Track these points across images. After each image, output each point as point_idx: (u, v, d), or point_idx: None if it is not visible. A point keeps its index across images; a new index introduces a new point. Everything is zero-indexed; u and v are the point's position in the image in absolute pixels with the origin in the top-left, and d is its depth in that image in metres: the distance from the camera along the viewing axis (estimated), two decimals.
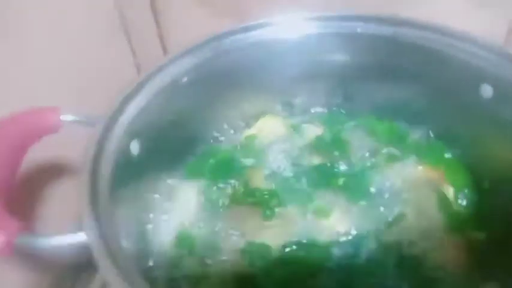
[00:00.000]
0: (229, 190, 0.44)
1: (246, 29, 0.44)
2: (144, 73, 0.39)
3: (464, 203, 0.42)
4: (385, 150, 0.46)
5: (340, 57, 0.47)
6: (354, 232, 0.40)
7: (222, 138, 0.49)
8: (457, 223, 0.40)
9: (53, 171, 0.43)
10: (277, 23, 0.45)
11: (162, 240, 0.40)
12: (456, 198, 0.42)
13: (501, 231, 0.38)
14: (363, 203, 0.42)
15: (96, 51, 0.50)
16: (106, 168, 0.32)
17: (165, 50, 0.60)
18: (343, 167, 0.45)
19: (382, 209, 0.41)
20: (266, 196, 0.42)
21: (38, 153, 0.35)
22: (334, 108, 0.51)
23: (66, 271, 0.47)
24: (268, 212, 0.41)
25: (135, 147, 0.37)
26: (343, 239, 0.39)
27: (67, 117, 0.35)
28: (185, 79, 0.42)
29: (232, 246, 0.40)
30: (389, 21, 0.43)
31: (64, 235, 0.26)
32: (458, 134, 0.45)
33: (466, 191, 0.42)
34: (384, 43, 0.43)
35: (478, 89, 0.40)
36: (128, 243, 0.31)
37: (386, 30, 0.43)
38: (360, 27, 0.44)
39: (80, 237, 0.26)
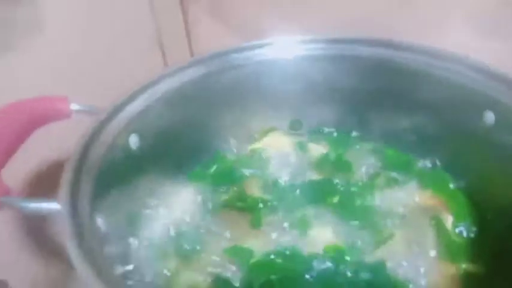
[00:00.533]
0: (224, 196, 0.45)
1: (254, 47, 0.46)
2: (154, 76, 0.42)
3: (464, 233, 0.40)
4: (387, 174, 0.46)
5: (349, 81, 0.48)
6: (339, 249, 0.39)
7: (228, 149, 0.50)
8: (451, 253, 0.38)
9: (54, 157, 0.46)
10: (281, 43, 0.47)
11: (148, 235, 0.41)
12: (455, 228, 0.40)
13: (497, 266, 0.36)
14: (354, 222, 0.41)
15: (132, 61, 0.54)
16: (98, 154, 0.34)
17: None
18: (341, 186, 0.45)
19: (372, 229, 0.40)
20: (256, 203, 0.43)
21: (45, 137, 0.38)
22: (342, 131, 0.51)
23: None
24: (256, 220, 0.41)
25: (134, 142, 0.39)
26: (326, 254, 0.38)
27: (75, 106, 0.38)
28: (192, 87, 0.44)
29: (217, 248, 0.40)
30: (392, 46, 0.43)
31: (41, 201, 0.28)
32: (464, 165, 0.44)
33: (467, 222, 0.40)
34: (387, 68, 0.44)
35: (481, 115, 0.39)
36: (107, 228, 0.33)
37: (387, 54, 0.43)
38: (365, 51, 0.45)
39: (53, 205, 0.28)
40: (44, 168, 0.47)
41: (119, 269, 0.31)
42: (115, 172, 0.36)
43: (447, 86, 0.41)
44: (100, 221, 0.31)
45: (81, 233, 0.27)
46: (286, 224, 0.42)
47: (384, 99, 0.47)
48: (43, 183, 0.47)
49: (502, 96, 0.37)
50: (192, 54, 0.65)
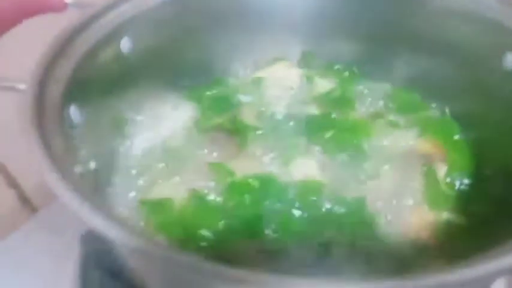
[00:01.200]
0: (218, 119, 0.44)
1: None
2: None
3: (455, 184, 0.37)
4: (389, 116, 0.43)
5: (366, 13, 0.44)
6: (320, 181, 0.38)
7: (230, 74, 0.49)
8: (436, 200, 0.36)
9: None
10: None
11: (130, 143, 0.41)
12: (447, 177, 0.38)
13: (480, 221, 0.34)
14: (342, 159, 0.39)
15: None
16: (82, 47, 0.33)
17: None
18: (338, 121, 0.43)
19: (359, 168, 0.38)
20: (246, 128, 0.42)
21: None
22: (355, 68, 0.48)
23: None
24: (242, 142, 0.41)
25: (126, 45, 0.38)
26: (304, 185, 0.37)
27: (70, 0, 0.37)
28: None
29: (199, 165, 0.40)
30: None
31: (7, 80, 0.28)
32: (475, 113, 0.40)
33: (462, 173, 0.38)
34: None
35: (501, 58, 0.35)
36: (81, 121, 0.32)
37: None
38: None
39: (21, 85, 0.28)
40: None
41: (82, 167, 0.30)
42: (100, 70, 0.36)
43: (468, 19, 0.37)
44: (73, 111, 0.31)
45: (42, 115, 0.27)
46: (273, 153, 0.40)
47: (400, 35, 0.43)
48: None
49: None
50: None
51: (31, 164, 0.26)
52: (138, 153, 0.41)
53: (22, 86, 0.28)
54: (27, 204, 0.54)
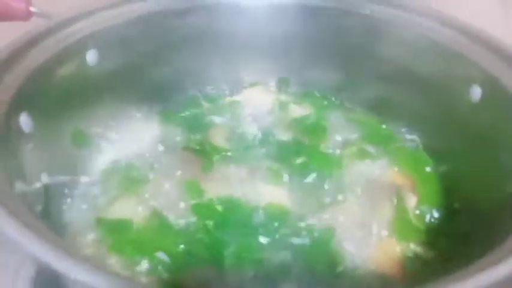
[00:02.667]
0: (187, 138, 0.43)
1: None
2: None
3: (425, 217, 0.36)
4: (362, 145, 0.42)
5: (339, 47, 0.44)
6: (286, 207, 0.36)
7: (205, 95, 0.48)
8: (404, 232, 0.35)
9: None
10: None
11: (95, 165, 0.39)
12: (416, 209, 0.37)
13: (448, 253, 0.33)
14: (310, 186, 0.38)
15: None
16: (41, 55, 0.32)
17: None
18: (309, 148, 0.42)
19: (327, 195, 0.37)
20: (213, 150, 0.41)
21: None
22: (329, 95, 0.48)
23: None
24: (207, 164, 0.39)
25: (92, 58, 0.37)
26: (268, 211, 0.36)
27: (35, 9, 0.36)
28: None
29: (162, 183, 0.38)
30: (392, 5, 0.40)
31: None
32: (444, 145, 0.40)
33: (431, 206, 0.37)
34: (383, 29, 0.40)
35: (468, 90, 0.35)
36: (33, 131, 0.31)
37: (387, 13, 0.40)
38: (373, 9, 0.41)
39: None
40: None
41: (31, 181, 0.29)
42: (61, 81, 0.35)
43: (438, 53, 0.37)
44: (24, 120, 0.29)
45: None
46: (241, 175, 0.39)
47: (373, 66, 0.43)
48: None
49: (494, 68, 0.33)
50: None
51: None
52: (99, 170, 0.39)
53: None
54: None
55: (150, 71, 0.43)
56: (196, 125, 0.45)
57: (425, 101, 0.41)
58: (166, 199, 0.37)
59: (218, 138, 0.43)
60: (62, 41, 0.34)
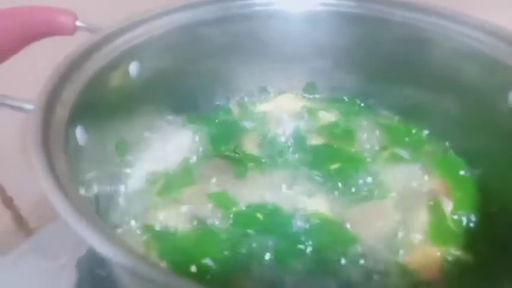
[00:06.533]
0: (220, 146, 0.44)
1: None
2: (173, 5, 0.41)
3: (462, 221, 0.37)
4: (394, 149, 0.43)
5: (371, 46, 0.45)
6: (323, 214, 0.37)
7: (235, 102, 0.49)
8: (442, 237, 0.35)
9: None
10: None
11: (138, 167, 0.40)
12: (453, 214, 0.37)
13: (488, 258, 0.33)
14: (346, 190, 0.39)
15: None
16: (91, 69, 0.33)
17: None
18: (344, 153, 0.43)
19: (364, 201, 0.38)
20: (247, 157, 0.42)
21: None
22: (358, 100, 0.49)
23: None
24: (240, 171, 0.40)
25: (134, 70, 0.39)
26: (310, 218, 0.36)
27: (81, 23, 0.37)
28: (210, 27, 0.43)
29: (201, 192, 0.39)
30: (421, 10, 0.40)
31: (15, 100, 0.28)
32: (479, 150, 0.40)
33: (468, 211, 0.37)
34: (415, 36, 0.41)
35: (506, 96, 0.35)
36: (87, 144, 0.32)
37: (418, 19, 0.40)
38: (398, 15, 0.42)
39: (28, 105, 0.28)
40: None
41: (85, 191, 0.30)
42: (107, 94, 0.36)
43: (473, 58, 0.37)
44: (79, 133, 0.30)
45: (48, 136, 0.26)
46: (274, 181, 0.40)
47: (406, 71, 0.44)
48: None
49: None
50: None
51: (29, 186, 0.26)
52: (141, 179, 0.40)
53: (29, 107, 0.28)
54: (23, 226, 0.53)
55: (184, 80, 0.45)
56: (228, 132, 0.45)
57: (457, 105, 0.41)
58: (206, 207, 0.38)
59: (250, 145, 0.44)
60: (108, 55, 0.35)
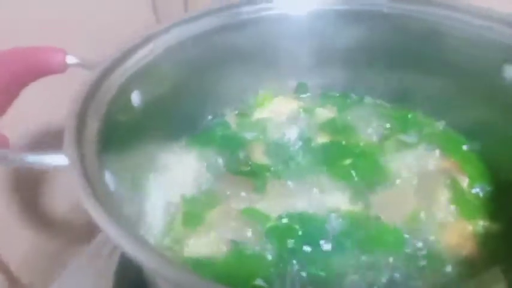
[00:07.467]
0: (228, 160, 0.43)
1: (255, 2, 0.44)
2: (158, 27, 0.39)
3: (480, 194, 0.39)
4: (396, 137, 0.44)
5: (354, 37, 0.46)
6: (353, 211, 0.37)
7: (230, 115, 0.48)
8: (468, 211, 0.37)
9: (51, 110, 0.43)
10: None
11: (154, 202, 0.38)
12: (470, 188, 0.39)
13: None
14: (367, 184, 0.40)
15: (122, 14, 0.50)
16: (99, 109, 0.31)
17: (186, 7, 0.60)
18: (353, 147, 0.43)
19: (386, 191, 0.39)
20: (261, 168, 0.41)
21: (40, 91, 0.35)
22: (348, 93, 0.50)
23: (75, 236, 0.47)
24: (260, 184, 0.40)
25: (136, 99, 0.37)
26: (340, 218, 0.37)
27: (72, 60, 0.34)
28: (194, 43, 0.42)
29: (225, 213, 0.38)
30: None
31: (45, 154, 0.25)
32: (478, 125, 0.42)
33: (482, 183, 0.39)
34: (399, 22, 0.42)
35: (501, 70, 0.38)
36: (116, 186, 0.30)
37: (400, 8, 0.42)
38: (379, 6, 0.43)
39: (59, 158, 0.25)
40: (36, 125, 0.43)
41: None
42: (119, 129, 0.34)
43: (462, 38, 0.39)
44: (108, 178, 0.28)
45: (93, 187, 0.24)
46: (294, 188, 0.40)
47: (393, 56, 0.45)
48: (36, 139, 0.44)
49: None
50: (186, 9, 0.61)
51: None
52: (160, 212, 0.38)
53: (61, 161, 0.25)
54: (14, 282, 0.49)
55: (178, 101, 0.43)
56: (232, 147, 0.44)
57: (448, 83, 0.43)
58: (235, 227, 0.37)
59: (258, 155, 0.44)
60: (109, 90, 0.33)
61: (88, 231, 0.40)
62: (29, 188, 0.48)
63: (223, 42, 0.44)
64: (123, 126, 0.35)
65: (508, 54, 0.37)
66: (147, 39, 0.38)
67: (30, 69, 0.32)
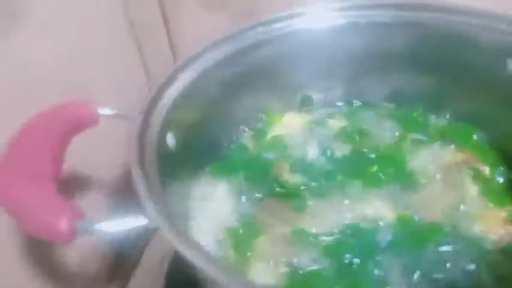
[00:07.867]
0: (257, 185, 0.43)
1: (266, 23, 0.44)
2: (176, 65, 0.39)
3: (501, 179, 0.41)
4: (410, 137, 0.46)
5: (357, 46, 0.47)
6: (397, 215, 0.39)
7: (244, 137, 0.48)
8: (497, 198, 0.40)
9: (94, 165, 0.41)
10: (298, 15, 0.45)
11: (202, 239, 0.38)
12: (492, 176, 0.42)
13: None
14: (399, 187, 0.41)
15: (105, 58, 0.49)
16: (151, 160, 0.31)
17: (175, 56, 0.59)
18: (373, 153, 0.45)
19: (417, 190, 0.41)
20: (296, 187, 0.42)
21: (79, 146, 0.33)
22: (351, 99, 0.51)
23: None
24: (299, 204, 0.40)
25: (171, 140, 0.36)
26: (387, 224, 0.38)
27: (105, 111, 0.33)
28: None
29: (273, 237, 0.38)
30: (408, 6, 0.44)
31: (123, 219, 0.24)
32: (483, 115, 0.45)
33: (500, 168, 0.42)
34: (404, 29, 0.44)
35: (505, 64, 0.40)
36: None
37: (403, 15, 0.44)
38: (380, 16, 0.45)
39: (140, 221, 0.25)
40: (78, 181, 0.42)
41: None
42: (166, 175, 0.33)
43: (466, 41, 0.42)
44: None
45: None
46: (332, 203, 0.41)
47: (393, 59, 0.46)
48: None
49: None
50: (171, 45, 0.61)
51: None
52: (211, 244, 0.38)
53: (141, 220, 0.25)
54: None
55: (200, 133, 0.43)
56: (256, 169, 0.45)
57: (450, 78, 0.45)
58: (289, 251, 0.37)
59: (286, 175, 0.44)
60: (150, 139, 0.33)
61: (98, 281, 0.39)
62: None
63: (231, 68, 0.44)
64: (168, 172, 0.34)
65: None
66: (169, 80, 0.38)
67: (67, 127, 0.31)
